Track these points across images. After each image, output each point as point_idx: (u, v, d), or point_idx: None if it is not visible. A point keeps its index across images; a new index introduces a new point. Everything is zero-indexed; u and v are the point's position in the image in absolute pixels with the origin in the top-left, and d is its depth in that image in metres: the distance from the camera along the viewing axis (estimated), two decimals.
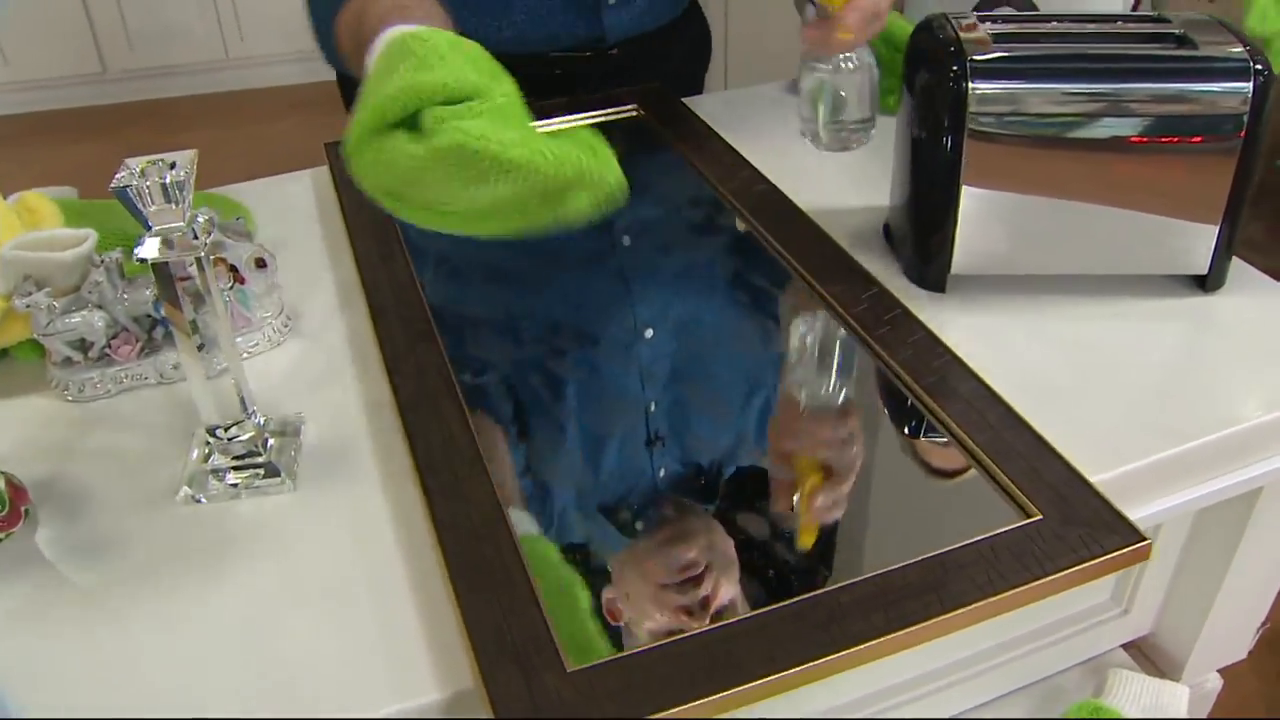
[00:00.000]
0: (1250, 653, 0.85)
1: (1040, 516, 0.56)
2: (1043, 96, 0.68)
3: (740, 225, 0.84)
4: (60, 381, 0.71)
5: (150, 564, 0.59)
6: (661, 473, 0.66)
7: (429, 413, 0.64)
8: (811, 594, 0.52)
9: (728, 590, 0.56)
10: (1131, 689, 0.80)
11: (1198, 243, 0.72)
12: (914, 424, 0.65)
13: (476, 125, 0.52)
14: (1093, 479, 0.58)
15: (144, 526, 0.61)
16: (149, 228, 0.56)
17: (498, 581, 0.53)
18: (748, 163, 0.89)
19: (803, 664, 0.49)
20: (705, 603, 0.55)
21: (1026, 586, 0.53)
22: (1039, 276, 0.75)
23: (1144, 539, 0.55)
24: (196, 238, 0.56)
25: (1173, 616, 0.82)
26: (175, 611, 0.56)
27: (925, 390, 0.64)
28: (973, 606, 0.52)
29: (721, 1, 2.31)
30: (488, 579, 0.53)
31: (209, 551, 0.59)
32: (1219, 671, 0.86)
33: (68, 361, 0.70)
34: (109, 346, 0.70)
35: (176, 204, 0.55)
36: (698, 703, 0.47)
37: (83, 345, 0.70)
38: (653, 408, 0.70)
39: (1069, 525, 0.56)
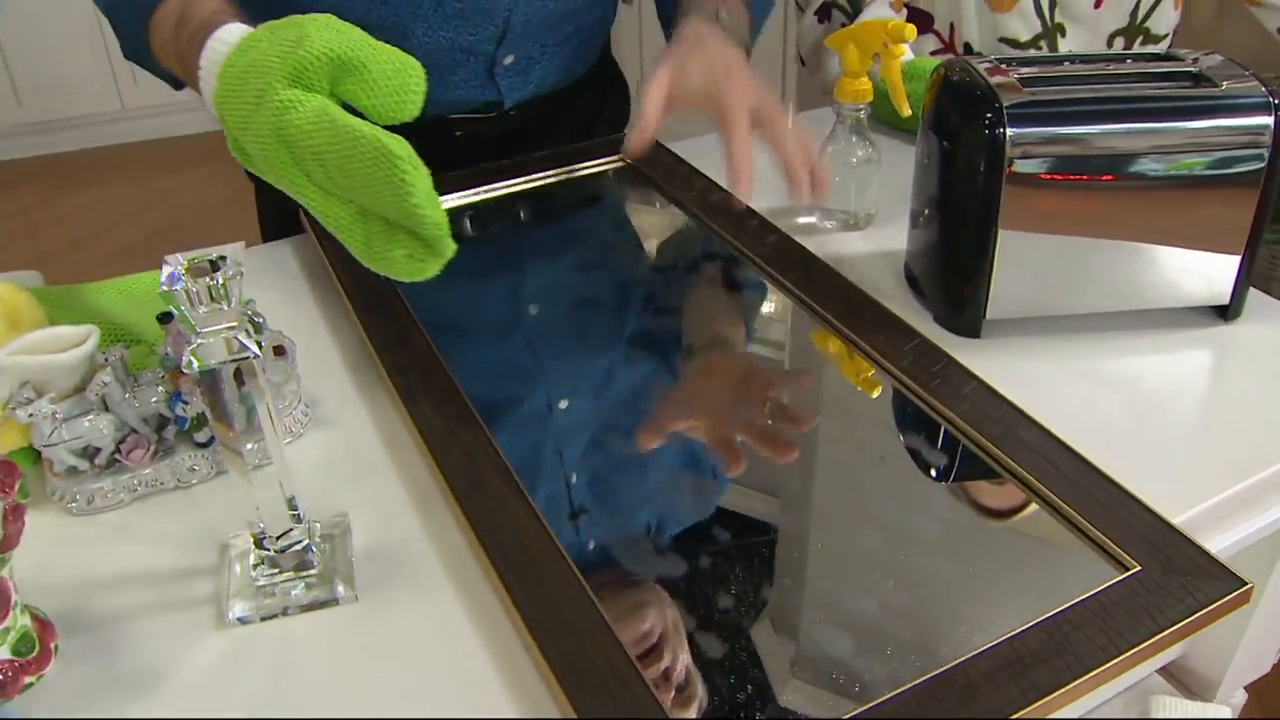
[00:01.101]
0: (1275, 666, 0.87)
1: (1140, 569, 0.56)
2: (1077, 139, 0.69)
3: (760, 277, 0.83)
4: (64, 493, 0.64)
5: (206, 698, 0.53)
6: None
7: (491, 504, 0.60)
8: (941, 670, 0.50)
9: (683, 658, 0.54)
10: (1176, 714, 0.81)
11: (1221, 273, 0.74)
12: (982, 477, 0.64)
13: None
14: (1174, 521, 0.58)
15: (191, 654, 0.55)
16: (197, 330, 0.51)
17: (609, 681, 0.50)
18: (756, 213, 0.88)
19: None
20: (667, 674, 0.53)
21: (1147, 643, 0.52)
22: (1066, 316, 0.76)
23: (1244, 584, 0.55)
24: (250, 336, 0.52)
25: (1206, 639, 0.83)
26: None
27: (993, 442, 0.64)
28: (1101, 669, 0.51)
29: (636, 52, 2.32)
30: (597, 679, 0.50)
31: (271, 678, 0.54)
32: (1244, 688, 0.88)
33: (73, 471, 0.64)
34: (118, 452, 0.64)
35: (227, 303, 0.51)
36: None
37: (88, 452, 0.64)
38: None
39: (1170, 575, 0.55)
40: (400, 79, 0.53)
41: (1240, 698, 0.89)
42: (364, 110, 0.54)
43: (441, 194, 0.53)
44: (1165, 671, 0.86)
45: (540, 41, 0.93)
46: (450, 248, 0.53)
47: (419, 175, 0.51)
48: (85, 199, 2.83)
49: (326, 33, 0.54)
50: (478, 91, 0.94)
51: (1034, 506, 0.61)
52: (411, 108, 0.54)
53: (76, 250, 2.60)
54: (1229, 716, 0.79)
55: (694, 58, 0.78)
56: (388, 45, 0.54)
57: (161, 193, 2.74)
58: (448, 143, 0.98)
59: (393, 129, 0.53)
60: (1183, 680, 0.86)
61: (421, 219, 0.51)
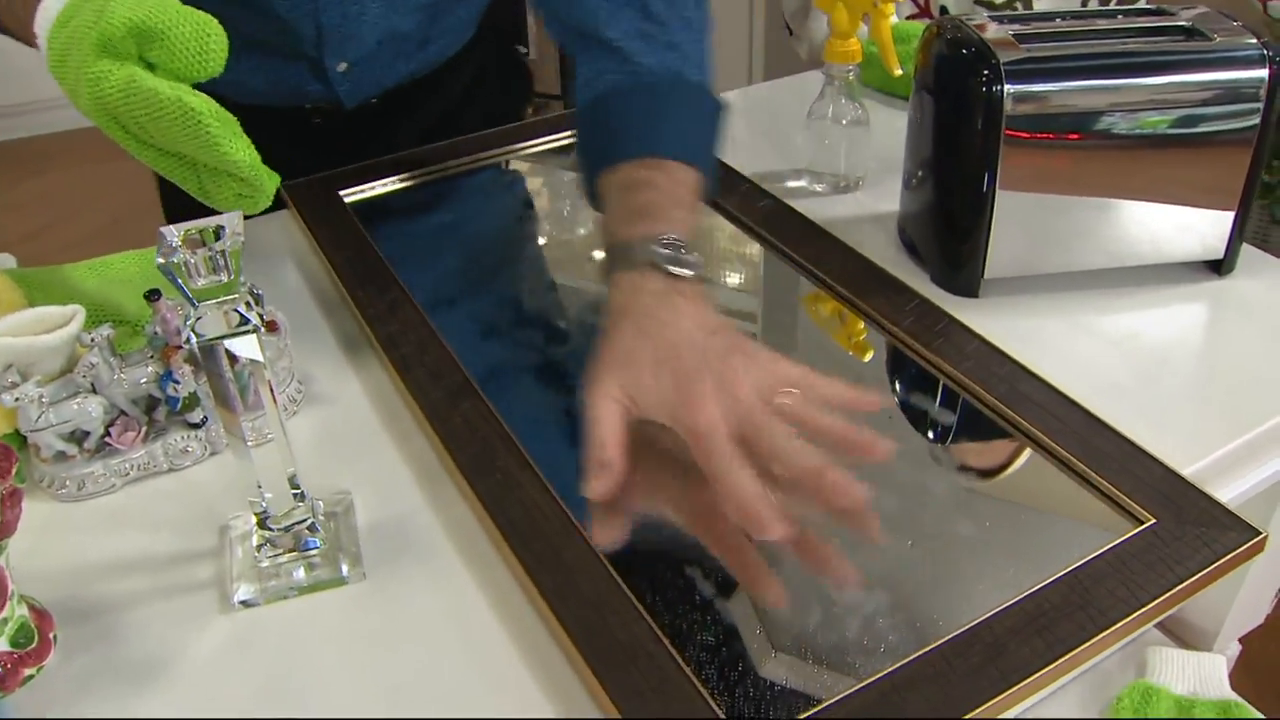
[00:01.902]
0: (1268, 617, 0.88)
1: (1154, 521, 0.56)
2: (1074, 95, 0.68)
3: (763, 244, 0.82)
4: (53, 479, 0.62)
5: (214, 684, 0.52)
6: None
7: (497, 474, 0.59)
8: (966, 628, 0.50)
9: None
10: (1174, 665, 0.82)
11: (1215, 228, 0.74)
12: (993, 436, 0.64)
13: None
14: (1184, 473, 0.58)
15: (196, 640, 0.54)
16: (195, 304, 0.49)
17: (634, 652, 0.49)
18: (744, 177, 0.87)
19: (981, 705, 0.47)
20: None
21: (1168, 594, 0.52)
22: (1062, 273, 0.76)
23: (1258, 533, 0.55)
24: (251, 308, 0.50)
25: (1202, 593, 0.84)
26: None
27: (999, 400, 0.63)
28: (1124, 621, 0.51)
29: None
30: (620, 650, 0.49)
31: (282, 663, 0.52)
32: (1238, 640, 0.89)
33: (61, 456, 0.62)
34: (107, 435, 0.62)
35: (227, 274, 0.49)
36: None
37: (76, 436, 0.62)
38: None
39: (1185, 526, 0.56)
40: (200, 41, 0.56)
41: (1235, 649, 0.90)
42: (170, 73, 0.56)
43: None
44: (1162, 626, 0.86)
45: (374, 51, 0.88)
46: (270, 181, 0.59)
47: (222, 126, 0.56)
48: (43, 185, 2.76)
49: (126, 3, 0.55)
50: (319, 93, 0.90)
51: (1038, 458, 0.61)
52: (213, 66, 0.56)
53: (35, 239, 2.54)
54: (1223, 663, 0.80)
55: (633, 369, 0.58)
56: (187, 8, 0.56)
57: (122, 177, 2.67)
58: (306, 130, 0.94)
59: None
60: (1179, 634, 0.87)
61: (234, 164, 0.57)
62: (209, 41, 0.56)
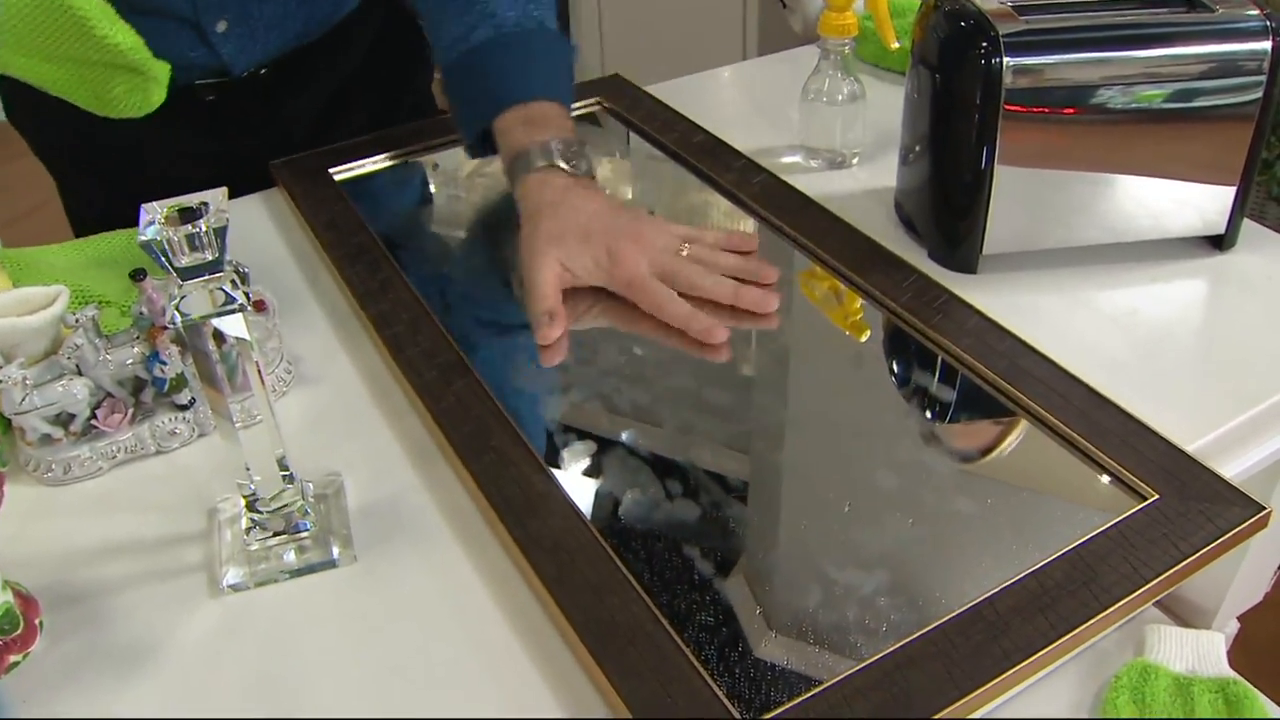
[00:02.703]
0: (1266, 595, 0.88)
1: (1158, 497, 0.55)
2: (1075, 68, 0.67)
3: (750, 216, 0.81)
4: (38, 463, 0.61)
5: (203, 669, 0.51)
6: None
7: (491, 454, 0.58)
8: (969, 606, 0.49)
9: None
10: (1172, 643, 0.82)
11: (1217, 203, 0.73)
12: (994, 412, 0.63)
13: None
14: (1186, 450, 0.58)
15: (185, 625, 0.53)
16: (180, 282, 0.48)
17: (632, 635, 0.48)
18: (740, 153, 0.86)
19: (984, 684, 0.46)
20: None
21: (1172, 570, 0.52)
22: (1061, 249, 0.75)
23: (1262, 508, 0.55)
24: (236, 287, 0.49)
25: (1202, 571, 0.84)
26: None
27: (1001, 376, 0.63)
28: (1128, 599, 0.50)
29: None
30: (618, 632, 0.48)
31: (271, 646, 0.52)
32: (1236, 618, 0.89)
33: (46, 439, 0.61)
34: (94, 417, 0.61)
35: (211, 251, 0.48)
36: None
37: (62, 419, 0.61)
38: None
39: (1188, 502, 0.55)
40: None
41: (1233, 627, 0.89)
42: None
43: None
44: (1161, 604, 0.86)
45: (252, 6, 0.84)
46: (160, 67, 0.60)
47: (95, 9, 0.57)
48: (25, 168, 2.71)
49: None
50: (204, 58, 0.85)
51: (1039, 434, 0.60)
52: None
53: (21, 220, 2.51)
54: (1221, 640, 0.79)
55: (564, 244, 0.69)
56: None
57: None
58: (200, 110, 0.89)
59: None
60: (1177, 611, 0.86)
61: (115, 47, 0.58)
62: None
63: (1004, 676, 0.46)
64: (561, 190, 0.72)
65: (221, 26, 0.84)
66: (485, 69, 0.77)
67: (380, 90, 1.00)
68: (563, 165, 0.72)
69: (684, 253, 0.71)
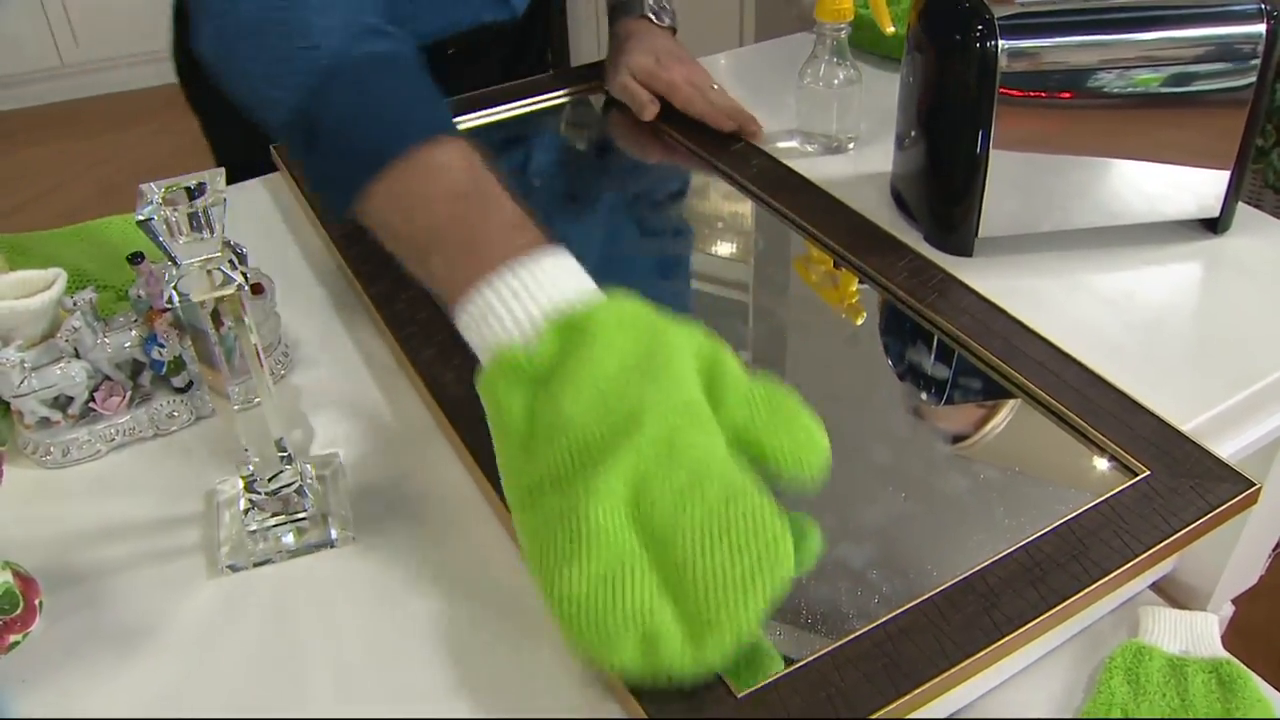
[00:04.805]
0: (1260, 578, 0.88)
1: (1149, 473, 0.55)
2: (1071, 51, 0.67)
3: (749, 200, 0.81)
4: (37, 446, 0.61)
5: (203, 649, 0.51)
6: None
7: None
8: (960, 578, 0.50)
9: None
10: (1166, 624, 0.82)
11: (1211, 186, 0.73)
12: (989, 390, 0.64)
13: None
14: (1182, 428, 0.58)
15: (184, 605, 0.53)
16: (177, 262, 0.48)
17: None
18: (738, 137, 0.86)
19: (974, 654, 0.47)
20: None
21: (1161, 544, 0.52)
22: (1056, 232, 0.75)
23: (1252, 484, 0.55)
24: (235, 268, 0.49)
25: (1197, 551, 0.84)
26: (254, 706, 0.49)
27: (996, 356, 0.63)
28: (1118, 571, 0.51)
29: None
30: None
31: (270, 625, 0.52)
32: (1231, 601, 0.89)
33: (45, 422, 0.61)
34: (92, 400, 0.62)
35: (209, 232, 0.48)
36: (882, 713, 0.45)
37: (60, 402, 0.61)
38: None
39: (1179, 478, 0.55)
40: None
41: (1228, 610, 0.90)
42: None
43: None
44: (1156, 586, 0.86)
45: None
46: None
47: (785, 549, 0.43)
48: (29, 158, 2.73)
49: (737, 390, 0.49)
50: (491, 9, 0.96)
51: (1033, 411, 0.60)
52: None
53: (22, 210, 2.52)
54: (1215, 621, 0.80)
55: (637, 52, 0.91)
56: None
57: (109, 149, 2.66)
58: (464, 55, 0.97)
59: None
60: (1172, 593, 0.87)
61: (742, 619, 0.42)
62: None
63: (994, 647, 0.47)
64: (644, 35, 0.93)
65: None
66: None
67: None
68: (652, 18, 0.94)
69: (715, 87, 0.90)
